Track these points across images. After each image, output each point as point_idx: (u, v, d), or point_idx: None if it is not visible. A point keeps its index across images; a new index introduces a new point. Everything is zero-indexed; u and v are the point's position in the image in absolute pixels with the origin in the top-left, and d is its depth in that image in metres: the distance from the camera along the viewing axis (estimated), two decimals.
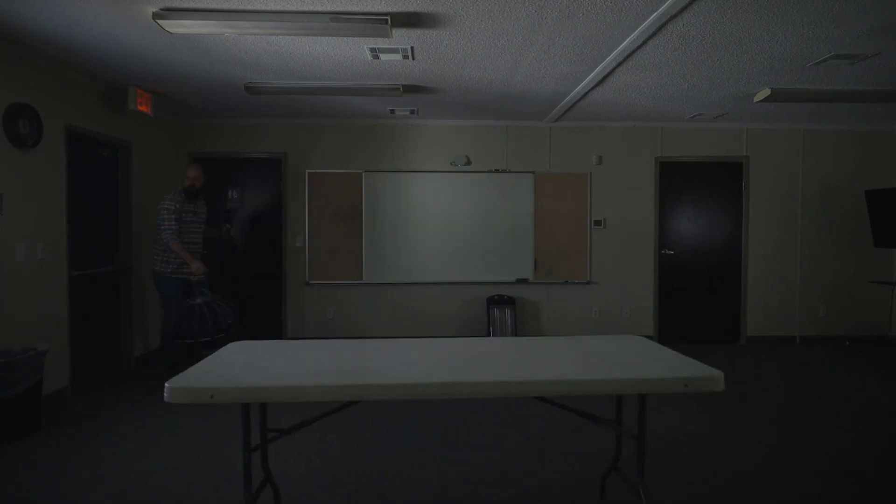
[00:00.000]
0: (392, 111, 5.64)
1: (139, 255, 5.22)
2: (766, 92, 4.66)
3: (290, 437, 3.38)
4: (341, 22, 3.11)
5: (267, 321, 6.17)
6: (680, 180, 6.31)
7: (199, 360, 2.21)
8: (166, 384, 1.83)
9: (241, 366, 2.04)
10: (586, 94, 4.81)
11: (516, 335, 6.06)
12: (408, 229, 6.08)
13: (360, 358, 2.19)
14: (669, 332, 6.35)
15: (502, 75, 4.32)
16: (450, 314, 6.21)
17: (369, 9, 3.05)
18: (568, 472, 2.98)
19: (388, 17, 3.11)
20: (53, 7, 3.04)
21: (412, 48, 3.69)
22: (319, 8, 3.02)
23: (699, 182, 6.33)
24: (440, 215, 6.10)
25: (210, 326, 4.26)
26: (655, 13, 3.09)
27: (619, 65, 4.00)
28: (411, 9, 3.06)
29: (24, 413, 3.46)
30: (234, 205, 6.11)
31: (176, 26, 3.12)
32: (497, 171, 6.17)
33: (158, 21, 3.07)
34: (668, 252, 6.34)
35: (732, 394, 4.36)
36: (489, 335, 5.99)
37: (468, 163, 6.19)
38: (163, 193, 5.00)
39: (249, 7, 3.02)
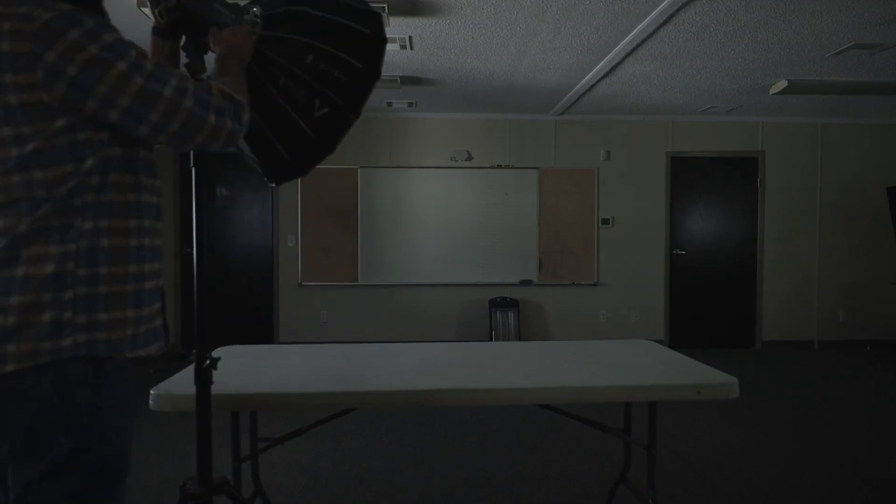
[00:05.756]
0: (389, 104, 5.51)
1: None
2: (782, 83, 4.55)
3: (282, 447, 3.23)
4: None
5: (257, 325, 6.03)
6: (692, 176, 6.15)
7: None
8: (151, 391, 1.76)
9: (230, 372, 1.97)
10: (594, 85, 4.71)
11: (520, 339, 5.93)
12: (406, 228, 5.94)
13: (356, 363, 2.11)
14: (681, 336, 6.18)
15: (505, 66, 4.21)
16: (450, 317, 6.07)
17: None
18: (574, 483, 2.88)
19: (385, 5, 3.03)
20: None
21: (410, 37, 3.60)
22: None
23: (712, 178, 6.16)
24: (440, 213, 5.96)
25: None
26: (667, 0, 2.97)
27: (628, 55, 3.91)
28: None
29: None
30: (223, 202, 5.99)
31: None
32: (499, 166, 6.02)
33: (143, 9, 2.97)
34: (679, 252, 6.17)
35: (747, 401, 4.24)
36: (491, 339, 5.86)
37: (469, 158, 6.05)
38: None
39: None
